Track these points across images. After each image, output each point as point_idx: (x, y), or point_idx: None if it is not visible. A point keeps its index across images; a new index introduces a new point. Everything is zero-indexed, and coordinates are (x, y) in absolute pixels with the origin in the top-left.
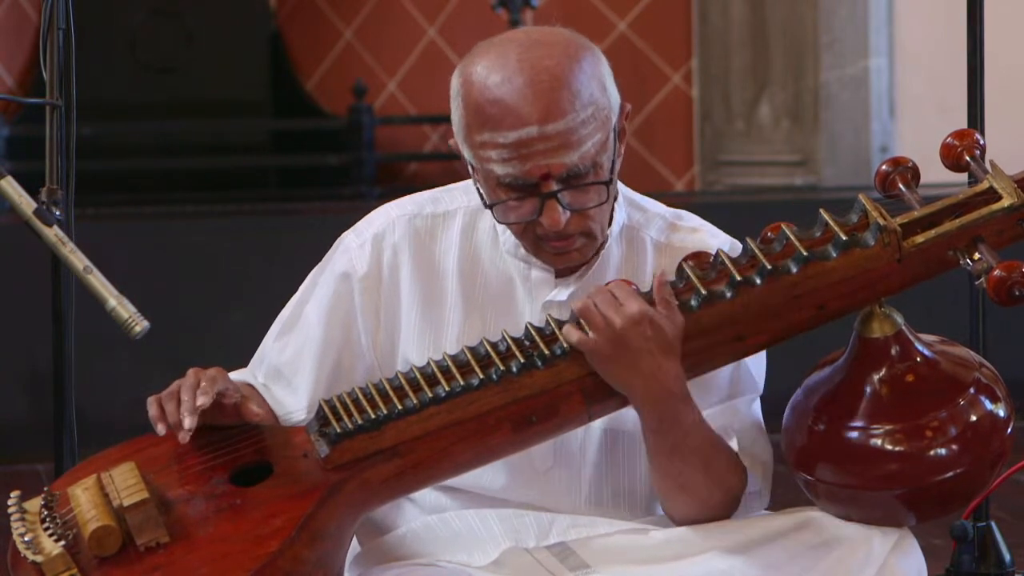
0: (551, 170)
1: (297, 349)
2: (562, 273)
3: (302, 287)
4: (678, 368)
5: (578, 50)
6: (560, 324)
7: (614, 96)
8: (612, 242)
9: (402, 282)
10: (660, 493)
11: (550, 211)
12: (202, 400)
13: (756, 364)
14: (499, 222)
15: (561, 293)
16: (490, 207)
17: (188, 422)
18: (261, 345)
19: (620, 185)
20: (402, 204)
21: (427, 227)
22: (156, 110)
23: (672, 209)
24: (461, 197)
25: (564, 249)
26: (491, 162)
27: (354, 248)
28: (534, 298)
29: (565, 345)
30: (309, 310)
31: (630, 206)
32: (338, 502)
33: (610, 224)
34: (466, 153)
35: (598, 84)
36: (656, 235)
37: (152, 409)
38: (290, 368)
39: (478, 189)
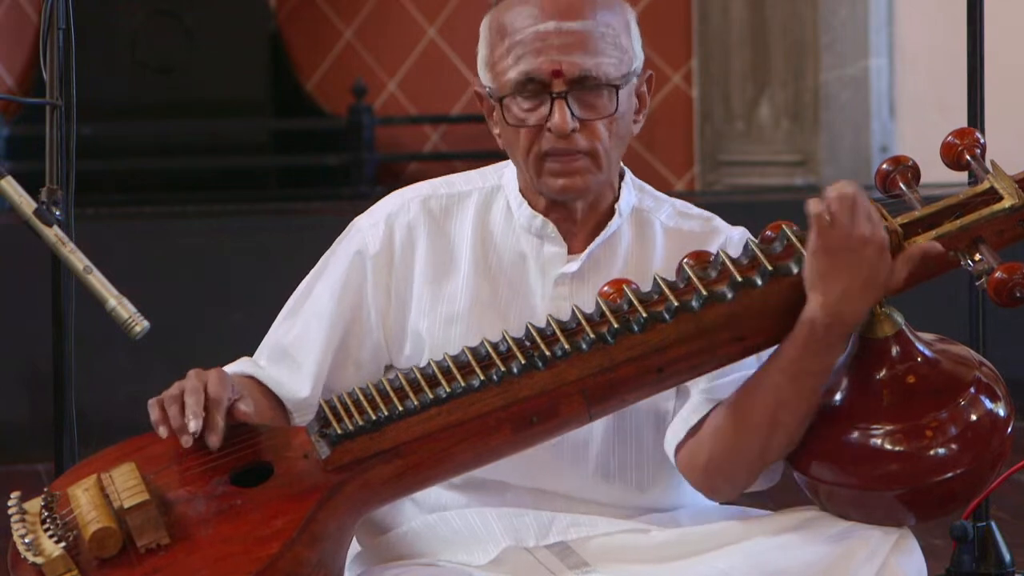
0: (563, 67)
1: (304, 327)
2: (574, 249)
3: (312, 271)
4: (865, 309)
5: None
6: (560, 325)
7: (639, 49)
8: (623, 223)
9: (416, 259)
10: (732, 423)
11: (557, 111)
12: (212, 440)
13: None
14: (510, 125)
15: (572, 265)
16: (499, 101)
17: (194, 425)
18: (270, 329)
19: (629, 172)
20: (416, 187)
21: (442, 206)
22: (156, 110)
23: (680, 200)
24: (475, 180)
25: (567, 167)
26: (508, 70)
27: (367, 228)
28: (546, 273)
29: (566, 346)
30: (320, 289)
31: (640, 191)
32: (339, 503)
33: (618, 199)
34: (487, 82)
35: (622, 20)
36: (666, 220)
37: (154, 413)
38: (296, 346)
39: (497, 101)
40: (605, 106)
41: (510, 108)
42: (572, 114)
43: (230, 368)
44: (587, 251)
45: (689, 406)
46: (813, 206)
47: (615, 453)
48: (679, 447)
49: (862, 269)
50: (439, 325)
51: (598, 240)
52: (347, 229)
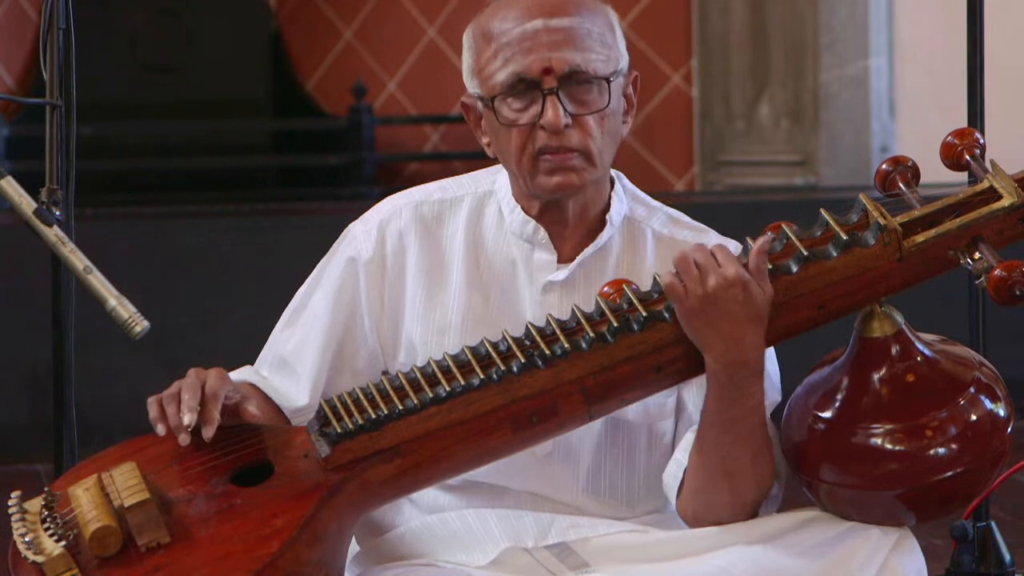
0: (553, 64)
1: (303, 336)
2: (564, 256)
3: (309, 278)
4: (760, 340)
5: None
6: (560, 324)
7: (623, 48)
8: (614, 231)
9: (408, 266)
10: (696, 481)
11: (549, 108)
12: (207, 432)
13: (774, 370)
14: (502, 125)
15: (560, 273)
16: (491, 102)
17: (188, 419)
18: (270, 337)
19: (623, 179)
20: (409, 193)
21: (434, 212)
22: (156, 110)
23: (675, 209)
24: (468, 184)
25: (561, 164)
26: (497, 72)
27: (360, 234)
28: (535, 280)
29: (566, 345)
30: (316, 298)
31: (633, 199)
32: (339, 502)
33: (609, 209)
34: (474, 90)
35: (606, 21)
36: (658, 228)
37: (152, 410)
38: (295, 356)
39: (487, 107)
40: (596, 101)
41: (500, 110)
42: (565, 110)
43: (233, 375)
44: (577, 260)
45: (683, 445)
46: (664, 278)
47: (605, 471)
48: (677, 495)
49: (734, 314)
50: (432, 334)
51: (588, 250)
52: (342, 235)
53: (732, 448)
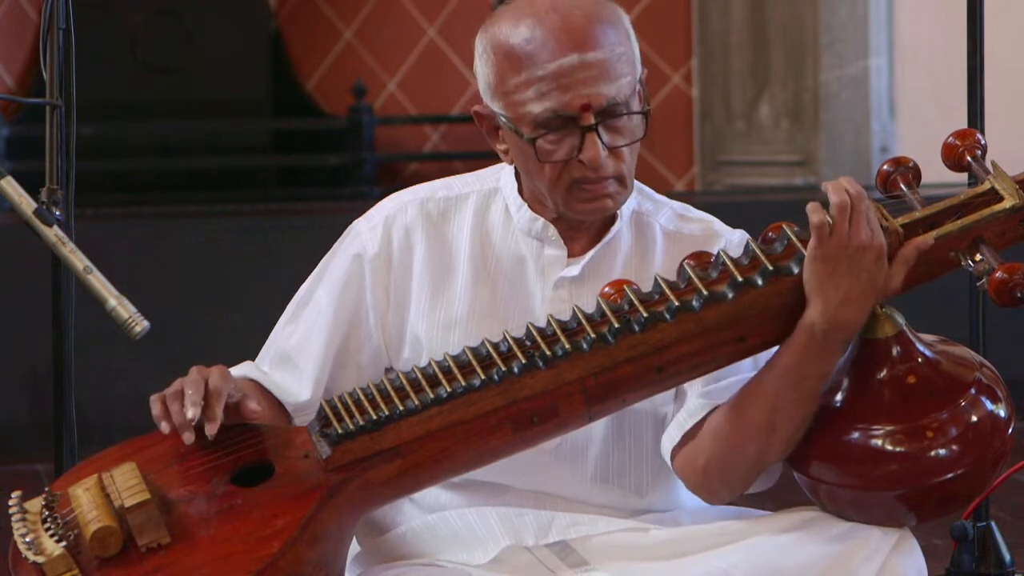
0: (591, 100)
1: (306, 332)
2: (574, 252)
3: (312, 275)
4: (864, 315)
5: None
6: (561, 324)
7: (638, 52)
8: (623, 226)
9: (414, 261)
10: (730, 427)
11: (590, 145)
12: (210, 430)
13: None
14: (540, 161)
15: (573, 269)
16: (531, 141)
17: (191, 412)
18: (271, 334)
19: None
20: (414, 190)
21: (440, 209)
22: (156, 110)
23: (679, 202)
24: (473, 182)
25: (598, 193)
26: (528, 103)
27: (365, 231)
28: (546, 276)
29: (567, 346)
30: (319, 294)
31: (640, 194)
32: (339, 503)
33: None
34: (497, 108)
35: (624, 32)
36: (665, 223)
37: (155, 408)
38: (297, 351)
39: (514, 131)
40: (632, 131)
41: (536, 143)
42: (603, 142)
43: (233, 370)
44: (588, 255)
45: (685, 410)
46: (813, 213)
47: (614, 457)
48: (675, 450)
49: (861, 275)
50: (437, 330)
51: (599, 245)
52: (346, 232)
53: (788, 404)
